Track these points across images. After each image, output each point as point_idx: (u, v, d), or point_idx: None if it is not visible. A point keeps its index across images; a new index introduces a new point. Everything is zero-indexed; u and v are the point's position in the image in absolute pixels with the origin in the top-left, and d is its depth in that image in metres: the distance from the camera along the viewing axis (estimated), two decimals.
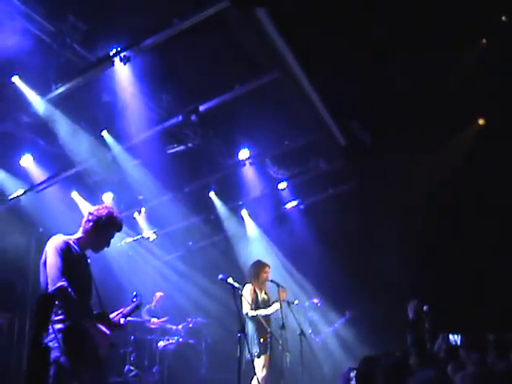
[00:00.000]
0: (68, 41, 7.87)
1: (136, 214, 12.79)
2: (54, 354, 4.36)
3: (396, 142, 11.07)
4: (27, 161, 9.91)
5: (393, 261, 11.48)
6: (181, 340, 11.82)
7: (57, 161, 10.10)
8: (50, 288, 4.45)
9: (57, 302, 4.46)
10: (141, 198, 12.32)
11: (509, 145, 10.30)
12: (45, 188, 10.38)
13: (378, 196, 12.41)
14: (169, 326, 12.09)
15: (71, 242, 4.75)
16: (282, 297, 8.38)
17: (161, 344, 11.60)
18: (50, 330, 4.39)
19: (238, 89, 9.24)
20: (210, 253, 13.70)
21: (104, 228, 4.86)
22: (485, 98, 10.15)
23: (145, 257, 13.38)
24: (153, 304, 12.39)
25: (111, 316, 5.07)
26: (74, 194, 11.42)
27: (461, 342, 6.55)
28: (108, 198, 11.95)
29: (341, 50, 8.99)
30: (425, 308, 7.56)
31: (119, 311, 5.17)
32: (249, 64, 9.04)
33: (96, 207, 5.01)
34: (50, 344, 4.38)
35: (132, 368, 11.07)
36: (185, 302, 13.10)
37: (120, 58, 7.66)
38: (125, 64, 7.71)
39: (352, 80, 9.55)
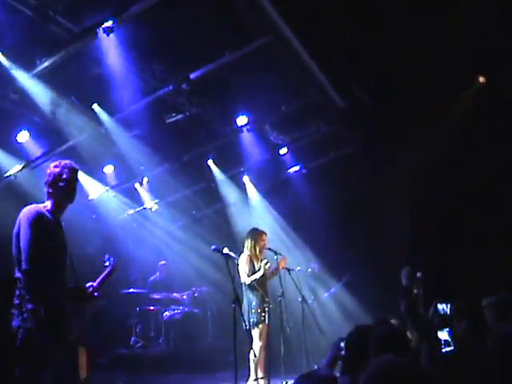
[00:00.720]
0: (51, 13, 7.70)
1: (137, 185, 12.75)
2: (26, 334, 4.30)
3: (396, 103, 10.85)
4: (23, 137, 9.83)
5: (393, 224, 11.33)
6: (186, 310, 11.84)
7: (51, 136, 10.02)
8: (24, 266, 4.37)
9: (29, 282, 4.39)
10: (142, 168, 12.24)
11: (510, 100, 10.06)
12: (41, 164, 10.31)
13: (381, 158, 12.23)
14: (174, 295, 12.13)
15: (44, 211, 4.64)
16: (281, 265, 8.32)
17: (166, 314, 11.63)
18: (23, 309, 4.33)
19: (228, 55, 9.03)
20: (212, 221, 13.67)
21: (59, 182, 4.74)
22: (485, 55, 9.85)
23: (148, 228, 13.35)
24: (157, 274, 12.42)
25: (87, 285, 4.94)
26: None
27: (450, 310, 6.45)
28: (109, 170, 11.92)
29: (333, 9, 8.74)
30: (418, 274, 7.48)
31: (95, 281, 5.02)
32: (239, 30, 8.83)
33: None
34: (23, 324, 4.32)
35: (138, 339, 11.14)
36: (189, 271, 13.08)
37: (103, 29, 7.46)
38: (108, 35, 7.51)
39: (347, 39, 9.30)
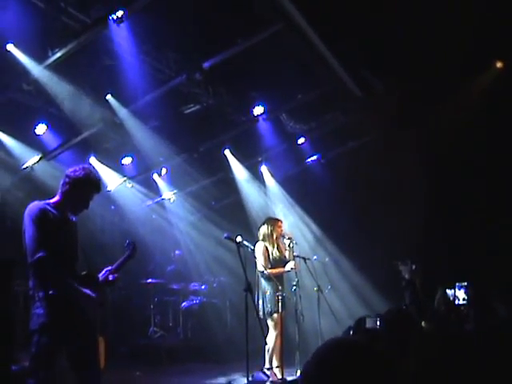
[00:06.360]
0: (62, 5, 7.75)
1: (156, 176, 12.78)
2: (40, 320, 4.33)
3: (414, 90, 10.69)
4: (41, 129, 9.90)
5: (409, 214, 11.16)
6: (204, 300, 11.86)
7: (68, 127, 10.08)
8: (29, 259, 4.38)
9: (38, 272, 4.40)
10: (161, 159, 12.26)
11: None
12: (58, 155, 10.40)
13: (400, 146, 12.03)
14: (192, 285, 12.16)
15: (48, 207, 4.56)
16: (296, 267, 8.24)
17: (184, 304, 11.67)
18: (36, 298, 4.36)
19: (241, 43, 8.96)
20: (230, 211, 13.61)
21: (80, 189, 4.68)
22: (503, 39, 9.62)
23: (166, 218, 13.39)
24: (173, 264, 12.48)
25: (100, 274, 4.91)
26: (92, 160, 11.34)
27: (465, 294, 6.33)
28: (127, 161, 11.96)
29: None
30: (413, 267, 7.35)
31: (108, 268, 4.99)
32: (252, 17, 8.76)
33: (73, 168, 4.74)
34: (36, 311, 4.35)
35: (156, 329, 11.19)
36: (208, 261, 13.08)
37: (113, 19, 7.45)
38: (118, 25, 7.51)
39: (360, 28, 9.17)
